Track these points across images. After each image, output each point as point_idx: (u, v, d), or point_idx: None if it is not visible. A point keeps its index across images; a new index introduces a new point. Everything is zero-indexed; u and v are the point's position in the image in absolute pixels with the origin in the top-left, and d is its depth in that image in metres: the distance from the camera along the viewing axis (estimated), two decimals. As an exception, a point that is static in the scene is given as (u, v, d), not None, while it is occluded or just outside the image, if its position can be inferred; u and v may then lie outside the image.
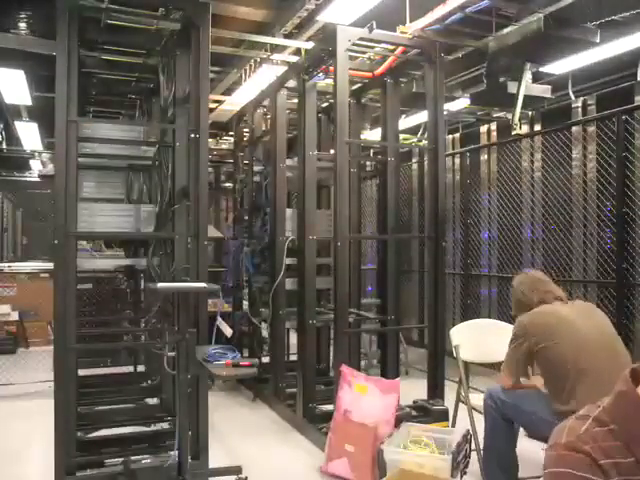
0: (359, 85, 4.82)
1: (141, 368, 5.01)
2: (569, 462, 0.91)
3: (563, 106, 5.39)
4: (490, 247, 6.15)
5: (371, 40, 4.06)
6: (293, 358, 5.12)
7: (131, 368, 5.09)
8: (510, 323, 3.16)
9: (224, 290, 5.57)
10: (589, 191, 4.98)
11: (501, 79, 4.74)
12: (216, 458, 3.27)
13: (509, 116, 5.34)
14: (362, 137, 5.85)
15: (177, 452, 2.90)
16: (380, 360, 4.73)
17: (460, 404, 3.51)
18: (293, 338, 4.81)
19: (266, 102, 5.24)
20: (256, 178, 5.56)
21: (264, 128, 5.50)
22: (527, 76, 4.64)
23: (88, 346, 4.02)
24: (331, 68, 3.98)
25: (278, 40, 4.80)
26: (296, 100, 4.63)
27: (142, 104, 4.66)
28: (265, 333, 5.06)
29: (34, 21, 4.82)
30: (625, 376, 0.96)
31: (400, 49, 4.24)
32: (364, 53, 4.44)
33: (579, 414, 0.99)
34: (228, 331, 3.53)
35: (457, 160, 6.55)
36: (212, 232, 6.22)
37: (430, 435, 3.20)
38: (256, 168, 5.57)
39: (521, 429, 2.97)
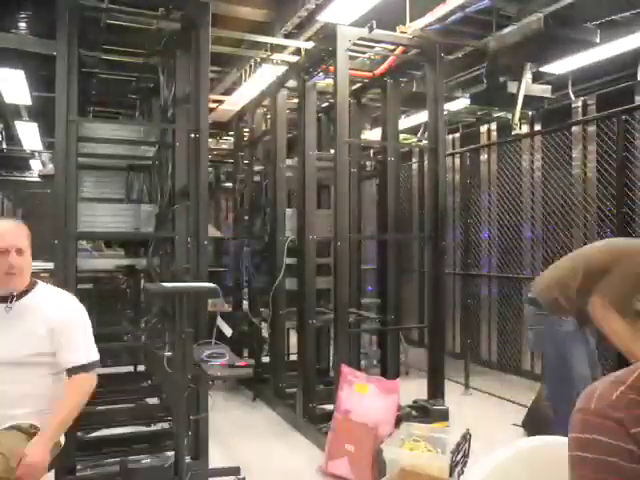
0: (359, 85, 4.82)
1: (141, 368, 5.00)
2: (597, 429, 0.87)
3: (563, 106, 5.38)
4: (490, 247, 6.15)
5: (371, 40, 4.06)
6: (293, 358, 5.12)
7: (131, 368, 5.08)
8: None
9: (224, 290, 5.56)
10: (589, 191, 4.98)
11: (501, 79, 4.74)
12: (216, 458, 3.27)
13: (509, 116, 5.34)
14: (362, 137, 5.85)
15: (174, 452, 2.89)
16: (380, 360, 4.73)
17: (460, 403, 3.51)
18: (293, 338, 4.81)
19: (266, 102, 5.24)
20: (256, 178, 5.56)
21: (264, 128, 5.50)
22: (527, 76, 4.65)
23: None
24: (331, 68, 3.98)
25: (278, 40, 4.80)
26: (296, 100, 4.63)
27: (142, 104, 4.66)
28: (265, 333, 5.06)
29: (34, 21, 4.82)
30: None
31: (400, 49, 4.24)
32: (364, 53, 4.44)
33: (612, 378, 0.93)
34: (228, 331, 3.53)
35: (457, 160, 6.55)
36: (212, 232, 6.22)
37: (430, 435, 3.20)
38: (256, 168, 5.58)
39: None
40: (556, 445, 1.47)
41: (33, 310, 2.20)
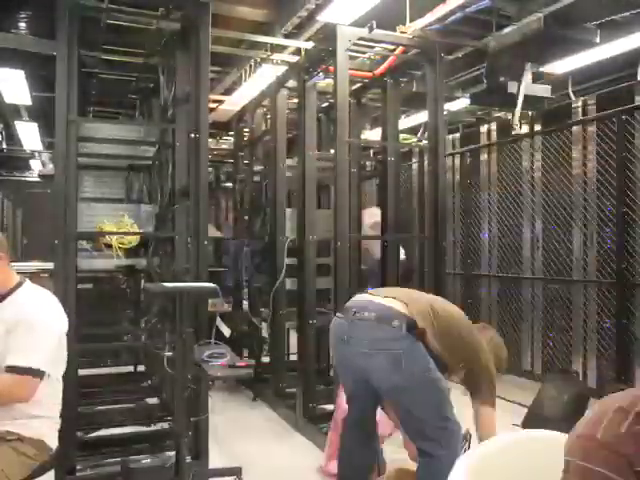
0: (359, 85, 4.82)
1: (141, 368, 5.01)
2: (603, 462, 0.85)
3: (563, 106, 5.39)
4: (490, 247, 6.15)
5: (371, 40, 4.06)
6: (293, 358, 5.12)
7: (131, 368, 5.09)
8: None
9: (224, 290, 5.57)
10: (589, 191, 4.98)
11: (501, 79, 4.73)
12: (216, 458, 3.27)
13: (509, 116, 5.33)
14: (362, 137, 5.85)
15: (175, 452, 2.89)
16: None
17: (460, 403, 3.50)
18: (293, 338, 4.81)
19: (266, 102, 5.24)
20: (256, 178, 5.56)
21: (264, 128, 5.50)
22: (527, 76, 4.64)
23: (88, 346, 4.01)
24: (331, 68, 3.98)
25: (278, 40, 4.80)
26: (296, 100, 4.63)
27: (142, 104, 4.66)
28: (265, 333, 5.06)
29: (34, 21, 4.82)
30: None
31: (400, 49, 4.24)
32: (364, 53, 4.43)
33: (615, 406, 0.91)
34: (227, 331, 3.53)
35: (457, 160, 6.55)
36: (212, 232, 6.22)
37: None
38: (256, 168, 5.58)
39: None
40: (539, 438, 1.48)
41: (10, 309, 2.18)
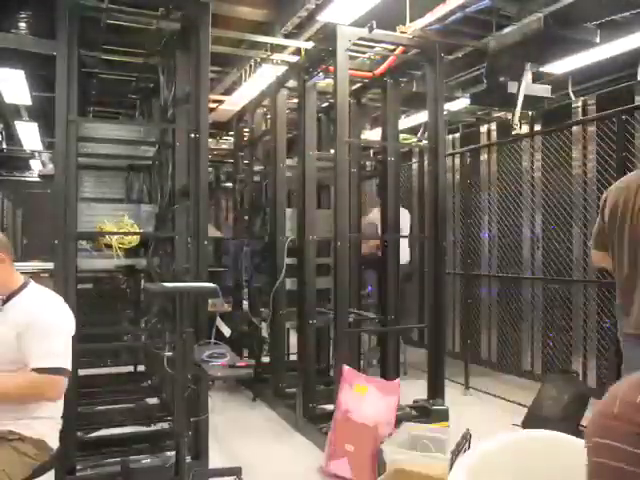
0: (359, 85, 4.82)
1: (141, 368, 5.01)
2: (619, 435, 0.79)
3: (563, 106, 5.39)
4: (490, 247, 6.14)
5: (371, 40, 4.06)
6: (293, 358, 5.12)
7: (131, 368, 5.09)
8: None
9: (224, 290, 5.57)
10: (589, 191, 4.98)
11: (501, 79, 4.74)
12: (216, 458, 3.27)
13: (509, 116, 5.34)
14: (362, 137, 5.85)
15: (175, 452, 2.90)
16: (380, 360, 4.73)
17: (460, 403, 3.51)
18: (293, 338, 4.81)
19: (266, 102, 5.24)
20: (256, 178, 5.56)
21: (264, 128, 5.50)
22: (527, 76, 4.65)
23: (88, 346, 4.01)
24: (331, 68, 3.98)
25: (278, 40, 4.80)
26: (296, 100, 4.63)
27: (142, 104, 4.66)
28: (265, 333, 5.06)
29: (34, 21, 4.82)
30: None
31: (400, 49, 4.24)
32: (364, 53, 4.44)
33: (634, 380, 0.85)
34: (227, 331, 3.53)
35: (457, 160, 6.55)
36: (212, 232, 6.22)
37: (430, 435, 3.20)
38: (256, 168, 5.58)
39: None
40: (539, 438, 1.48)
41: (18, 312, 2.18)
